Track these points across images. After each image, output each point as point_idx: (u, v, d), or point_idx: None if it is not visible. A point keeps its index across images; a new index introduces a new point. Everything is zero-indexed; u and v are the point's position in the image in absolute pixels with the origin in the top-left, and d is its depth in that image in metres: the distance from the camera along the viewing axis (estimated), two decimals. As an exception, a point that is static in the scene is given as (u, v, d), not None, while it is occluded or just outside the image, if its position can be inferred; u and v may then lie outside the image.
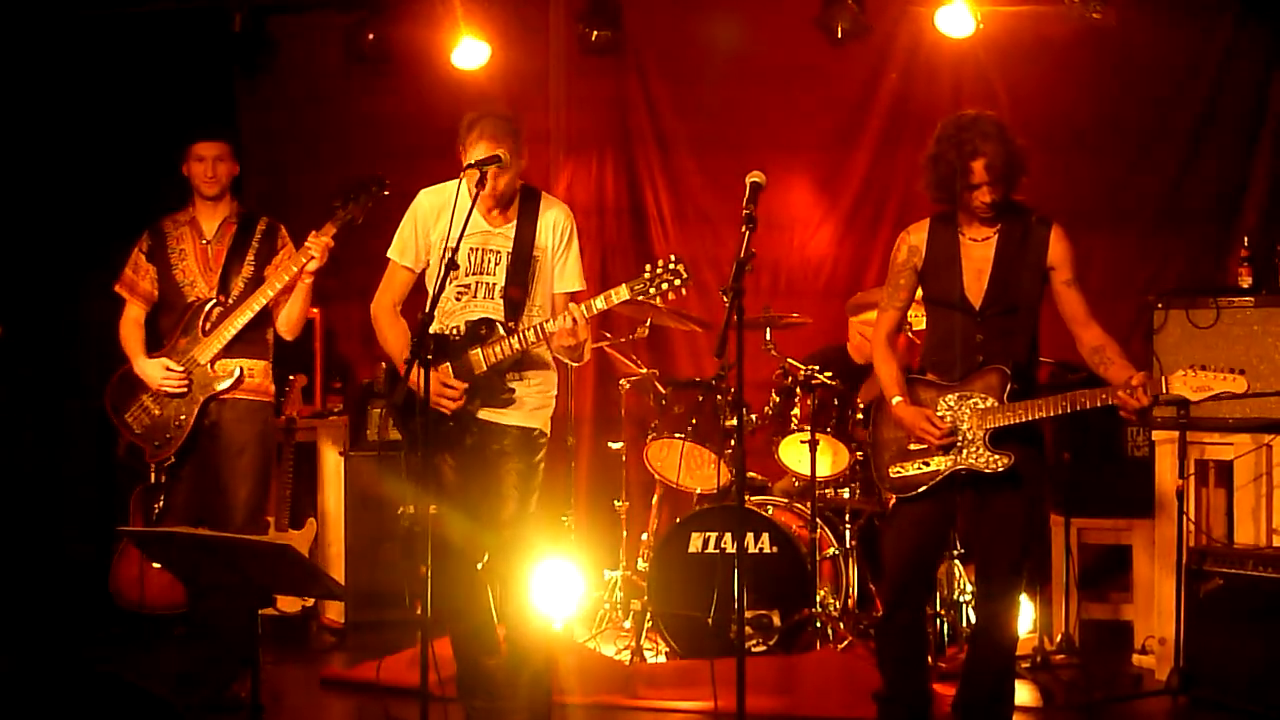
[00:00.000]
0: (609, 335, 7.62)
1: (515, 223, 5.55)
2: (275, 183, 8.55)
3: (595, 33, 8.17)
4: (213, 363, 6.22)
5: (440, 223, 5.50)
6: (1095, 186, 7.84)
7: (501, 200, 5.48)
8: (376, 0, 8.34)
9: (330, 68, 8.64)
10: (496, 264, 5.52)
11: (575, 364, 5.62)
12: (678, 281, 5.22)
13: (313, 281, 6.24)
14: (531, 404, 5.55)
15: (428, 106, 8.59)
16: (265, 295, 6.21)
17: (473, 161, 5.30)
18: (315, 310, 8.19)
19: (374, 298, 5.71)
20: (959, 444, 5.24)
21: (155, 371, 6.22)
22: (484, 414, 5.50)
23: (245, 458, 6.25)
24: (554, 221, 5.57)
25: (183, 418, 6.22)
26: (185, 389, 6.21)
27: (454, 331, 5.50)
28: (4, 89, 7.61)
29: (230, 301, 6.26)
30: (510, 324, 5.44)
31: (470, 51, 8.22)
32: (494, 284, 5.51)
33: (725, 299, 4.79)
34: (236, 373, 6.23)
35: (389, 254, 5.69)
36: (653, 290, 5.23)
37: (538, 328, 5.34)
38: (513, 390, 5.48)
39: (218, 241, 6.34)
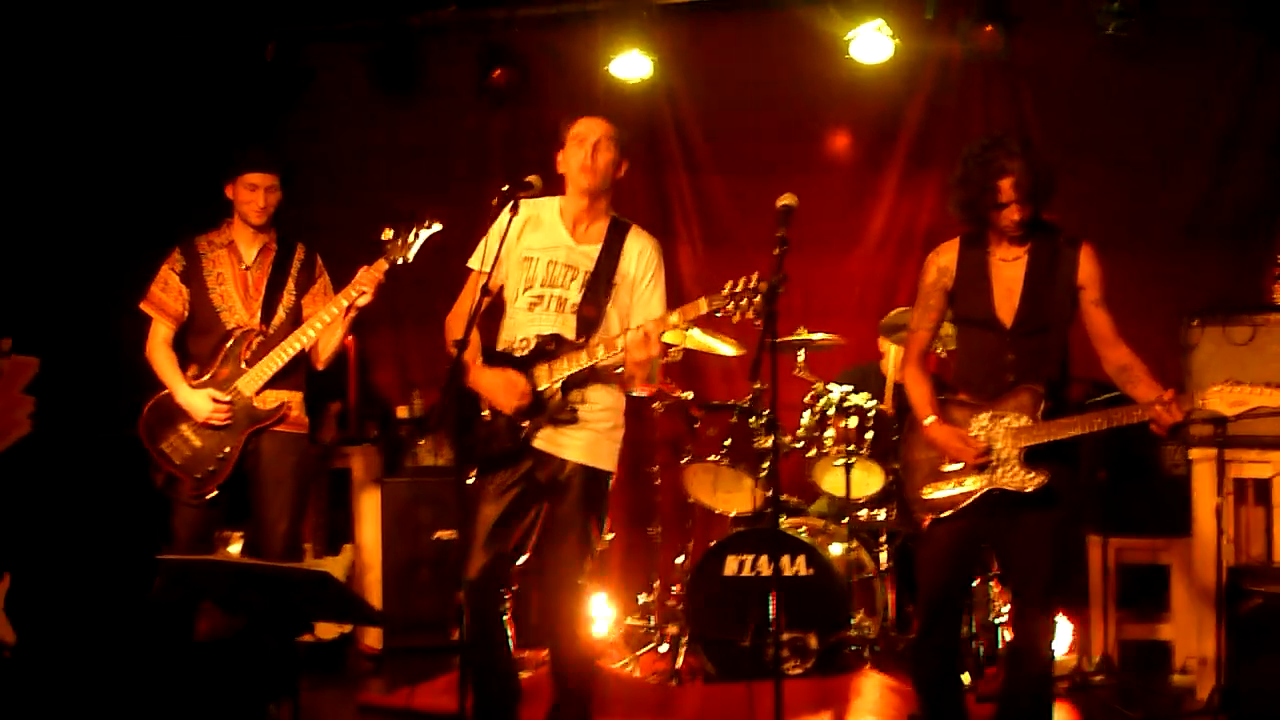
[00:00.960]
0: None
1: (601, 245, 5.48)
2: (303, 211, 8.59)
3: (624, 58, 8.18)
4: (256, 395, 6.20)
5: (525, 235, 5.45)
6: (1126, 204, 7.81)
7: (598, 176, 5.41)
8: (403, 28, 8.37)
9: (360, 96, 8.69)
10: (572, 279, 5.43)
11: (645, 386, 5.51)
12: (758, 299, 5.01)
13: (355, 314, 6.20)
14: (595, 431, 5.42)
15: (458, 133, 8.65)
16: (314, 329, 6.17)
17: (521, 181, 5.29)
18: (350, 337, 8.23)
19: (452, 308, 5.64)
20: (993, 463, 5.24)
21: (203, 404, 6.15)
22: (543, 443, 5.38)
23: (284, 490, 6.25)
24: (640, 251, 5.50)
25: (227, 449, 6.17)
26: (230, 421, 6.18)
27: (521, 345, 5.43)
28: (43, 116, 7.68)
29: (272, 332, 6.24)
30: (580, 340, 5.35)
31: (501, 78, 8.27)
32: (565, 299, 5.42)
33: (758, 322, 4.80)
34: (281, 407, 6.22)
35: (469, 264, 5.61)
36: (731, 306, 5.05)
37: (608, 342, 5.25)
38: (575, 410, 5.36)
39: (257, 268, 6.31)
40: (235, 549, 6.83)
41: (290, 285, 6.32)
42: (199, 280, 6.29)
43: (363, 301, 6.10)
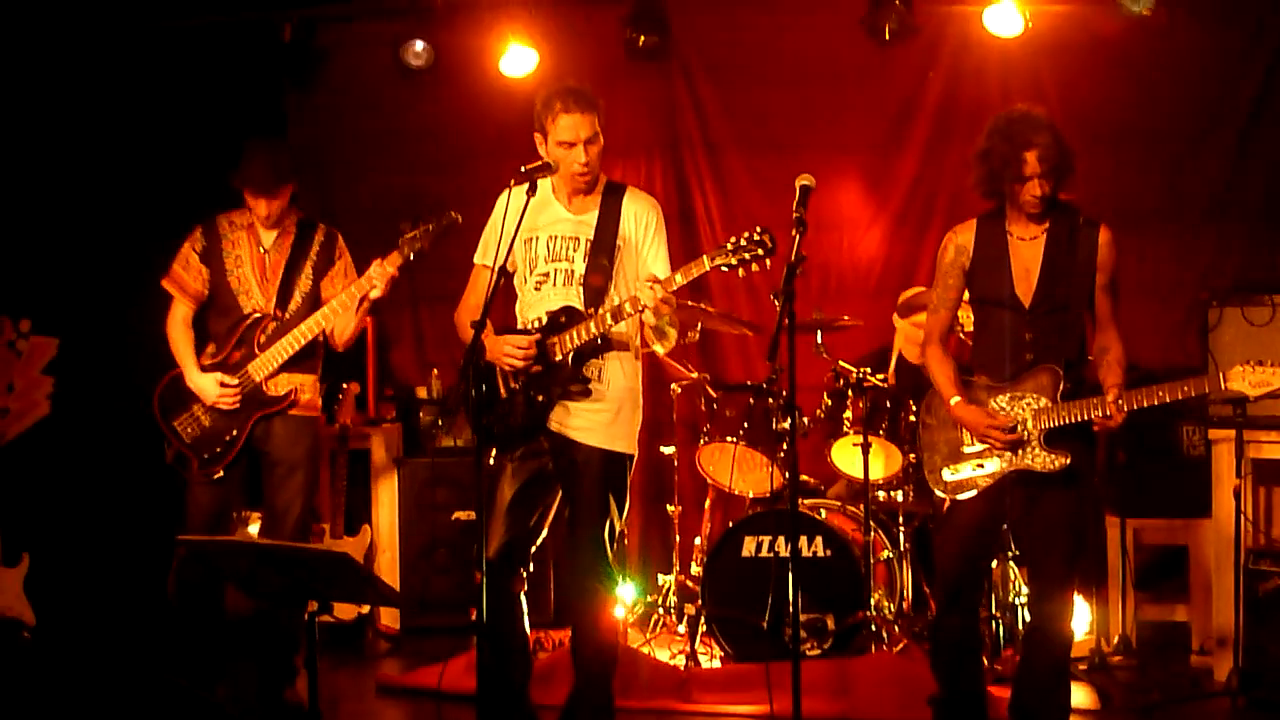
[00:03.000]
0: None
1: (598, 211, 5.43)
2: (322, 193, 8.62)
3: (642, 37, 8.17)
4: (267, 380, 6.22)
5: (524, 220, 5.32)
6: (1146, 183, 7.78)
7: (593, 171, 5.37)
8: (424, 9, 8.34)
9: (379, 77, 8.67)
10: (575, 250, 5.40)
11: (661, 345, 5.46)
12: (761, 252, 5.01)
13: (369, 304, 6.22)
14: (611, 414, 5.39)
15: (475, 114, 8.63)
16: (326, 319, 6.19)
17: (532, 166, 5.23)
18: (368, 318, 8.24)
19: (459, 304, 5.62)
20: (1017, 443, 5.22)
21: (210, 388, 6.18)
22: (559, 426, 5.36)
23: (297, 476, 6.28)
24: (637, 213, 5.45)
25: (234, 432, 6.20)
26: (238, 405, 6.20)
27: (534, 324, 5.41)
28: (63, 100, 7.69)
29: (287, 317, 6.25)
30: (590, 310, 5.31)
31: (518, 58, 8.23)
32: (572, 271, 5.39)
33: (776, 302, 4.78)
34: (290, 393, 6.24)
35: (475, 259, 5.61)
36: (735, 261, 5.03)
37: (615, 309, 5.21)
38: (588, 381, 5.34)
39: (276, 251, 6.30)
40: (254, 529, 6.87)
41: (308, 269, 6.31)
42: (218, 261, 6.30)
43: (375, 294, 6.11)
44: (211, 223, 6.37)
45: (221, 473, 6.23)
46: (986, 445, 5.28)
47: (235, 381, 6.18)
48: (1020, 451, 5.23)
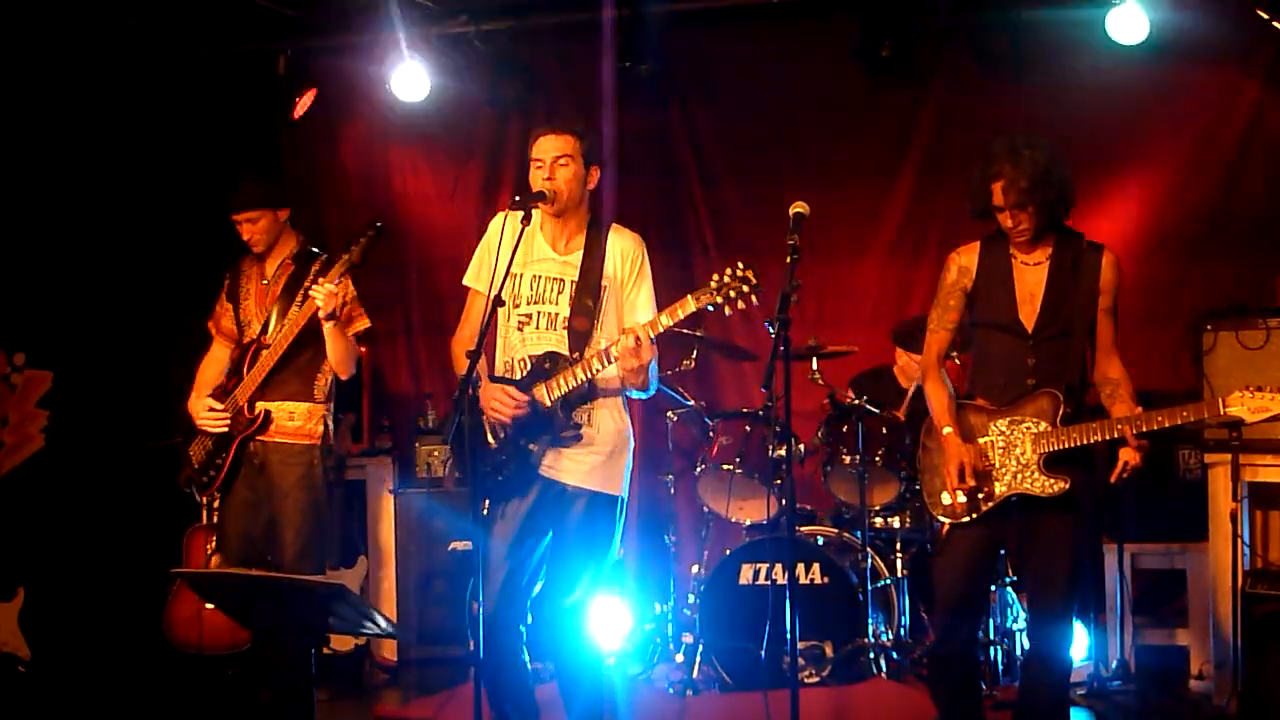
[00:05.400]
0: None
1: (582, 251, 5.32)
2: (312, 220, 8.63)
3: (638, 67, 8.18)
4: (250, 404, 6.28)
5: (517, 248, 5.23)
6: (1139, 210, 7.80)
7: (569, 201, 5.25)
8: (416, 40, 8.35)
9: (371, 107, 8.70)
10: (559, 293, 5.28)
11: (642, 393, 5.39)
12: (746, 289, 4.88)
13: (335, 324, 6.14)
14: (602, 455, 5.25)
15: (468, 143, 8.65)
16: (286, 338, 6.23)
17: (519, 197, 5.20)
18: (363, 349, 8.23)
19: (455, 331, 5.55)
20: (1015, 469, 5.21)
21: (197, 409, 6.35)
22: (549, 470, 5.22)
23: (290, 500, 6.27)
24: (623, 250, 5.32)
25: (223, 455, 6.30)
26: (225, 428, 6.28)
27: (520, 365, 5.28)
28: (57, 136, 7.71)
29: (271, 343, 6.28)
30: (575, 355, 5.20)
31: (512, 88, 8.26)
32: (556, 314, 5.27)
33: (771, 330, 4.77)
34: (264, 415, 6.26)
35: (465, 281, 5.47)
36: (720, 299, 4.91)
37: (601, 354, 5.10)
38: (579, 426, 5.21)
39: (275, 282, 6.38)
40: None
41: (300, 297, 6.30)
42: (235, 298, 6.48)
43: (322, 314, 6.07)
44: (236, 263, 6.53)
45: (217, 496, 6.41)
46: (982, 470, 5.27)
47: (221, 406, 6.30)
48: (1019, 476, 5.21)
